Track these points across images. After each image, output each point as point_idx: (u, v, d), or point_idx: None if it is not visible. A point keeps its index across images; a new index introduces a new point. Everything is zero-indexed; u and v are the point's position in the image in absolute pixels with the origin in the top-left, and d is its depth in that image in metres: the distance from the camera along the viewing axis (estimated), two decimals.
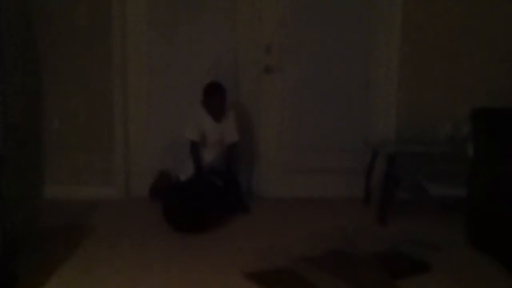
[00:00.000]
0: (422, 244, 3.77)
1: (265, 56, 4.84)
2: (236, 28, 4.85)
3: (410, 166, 4.54)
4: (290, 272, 3.28)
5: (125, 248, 3.74)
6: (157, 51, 4.90)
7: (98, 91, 4.86)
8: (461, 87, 4.74)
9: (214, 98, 4.49)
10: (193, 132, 4.54)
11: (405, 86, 4.77)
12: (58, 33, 4.79)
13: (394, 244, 3.75)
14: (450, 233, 4.01)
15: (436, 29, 4.73)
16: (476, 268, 3.45)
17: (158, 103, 4.94)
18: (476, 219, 3.76)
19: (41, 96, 4.86)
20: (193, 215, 4.05)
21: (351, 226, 4.21)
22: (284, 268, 3.33)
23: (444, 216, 4.41)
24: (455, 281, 3.23)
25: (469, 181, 3.86)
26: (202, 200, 4.13)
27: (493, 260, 3.47)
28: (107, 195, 4.87)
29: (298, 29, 4.86)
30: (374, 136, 4.82)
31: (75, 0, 4.75)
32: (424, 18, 4.73)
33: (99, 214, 4.46)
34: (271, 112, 4.96)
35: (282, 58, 4.87)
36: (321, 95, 4.92)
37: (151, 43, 4.89)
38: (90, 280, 3.20)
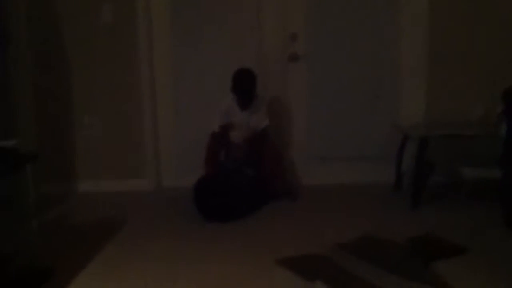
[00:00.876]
0: (456, 227, 3.72)
1: (291, 44, 4.82)
2: (261, 16, 4.83)
3: (442, 149, 4.48)
4: (323, 258, 3.27)
5: (159, 239, 3.76)
6: (183, 45, 4.91)
7: (126, 86, 4.91)
8: (491, 67, 4.65)
9: (242, 83, 4.46)
10: (217, 121, 4.56)
11: (435, 68, 4.70)
12: (85, 31, 4.85)
13: (428, 228, 3.71)
14: (485, 216, 3.95)
15: (466, 9, 4.65)
16: None
17: (186, 95, 4.97)
18: (510, 199, 3.69)
19: (71, 93, 4.92)
20: (223, 204, 4.08)
21: (383, 211, 4.18)
22: (317, 254, 3.32)
23: (478, 199, 4.33)
24: (492, 263, 3.18)
25: (502, 162, 3.79)
26: (232, 189, 4.15)
27: None
28: (138, 187, 4.91)
29: (325, 15, 4.82)
30: (404, 120, 4.76)
31: None
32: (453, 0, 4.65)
33: (131, 207, 4.50)
34: (298, 100, 4.94)
35: (309, 45, 4.85)
36: (349, 80, 4.88)
37: (176, 38, 4.91)
38: (123, 272, 3.23)
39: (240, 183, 4.27)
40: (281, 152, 4.79)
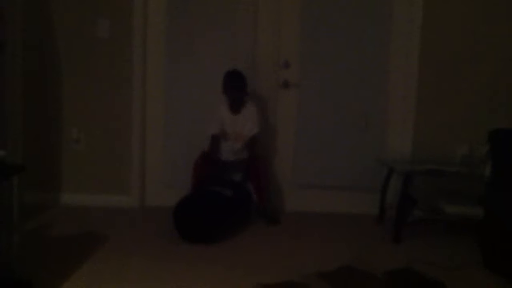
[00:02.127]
0: (435, 263, 3.76)
1: (283, 71, 4.88)
2: (255, 42, 4.90)
3: (425, 185, 4.53)
4: (303, 285, 3.29)
5: (138, 258, 3.75)
6: (176, 64, 4.95)
7: (116, 102, 4.93)
8: (478, 108, 4.73)
9: (233, 85, 4.55)
10: (213, 125, 4.63)
11: (422, 105, 4.78)
12: (80, 45, 4.88)
13: (408, 262, 3.74)
14: (464, 253, 3.98)
15: (454, 49, 4.74)
16: None
17: (176, 113, 4.99)
18: (490, 240, 3.74)
19: (61, 105, 4.93)
20: (201, 226, 4.08)
21: (365, 243, 4.21)
22: (297, 282, 3.34)
23: (458, 235, 4.37)
24: None
25: (484, 201, 3.84)
26: (210, 211, 4.15)
27: (506, 282, 3.45)
28: (122, 203, 4.91)
29: (317, 45, 4.89)
30: (389, 154, 4.81)
31: (97, 13, 4.84)
32: (442, 39, 4.74)
33: (113, 223, 4.50)
34: (286, 126, 4.99)
35: (300, 73, 4.91)
36: (338, 111, 4.93)
37: (170, 56, 4.95)
38: None
39: (217, 204, 4.25)
40: (267, 169, 4.85)
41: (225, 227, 4.20)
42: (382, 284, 3.36)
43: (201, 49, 4.92)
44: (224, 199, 4.32)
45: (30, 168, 3.73)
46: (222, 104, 4.65)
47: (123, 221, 4.58)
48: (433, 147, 4.74)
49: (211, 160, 4.63)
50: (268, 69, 4.91)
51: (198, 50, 4.93)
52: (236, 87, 4.57)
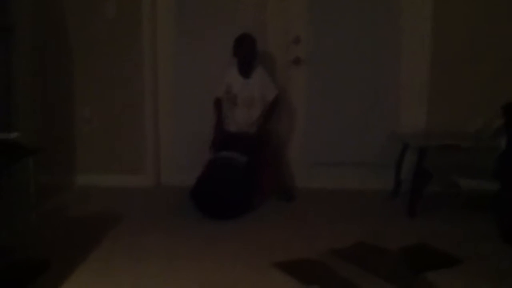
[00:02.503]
0: (451, 238, 3.74)
1: (294, 47, 4.84)
2: (265, 19, 4.86)
3: (440, 160, 4.50)
4: (318, 262, 3.30)
5: (154, 236, 3.78)
6: (186, 42, 4.94)
7: (129, 81, 4.94)
8: (492, 81, 4.66)
9: (243, 46, 4.55)
10: (219, 88, 4.64)
11: (436, 79, 4.72)
12: (89, 25, 4.88)
13: (423, 237, 3.73)
14: (480, 227, 3.96)
15: (468, 22, 4.66)
16: (506, 262, 3.40)
17: (188, 92, 4.99)
18: (507, 213, 3.72)
19: (73, 86, 4.94)
20: (219, 201, 4.11)
21: (379, 218, 4.20)
22: (312, 259, 3.35)
23: (474, 210, 4.35)
24: (485, 275, 3.19)
25: (499, 175, 3.81)
26: (227, 185, 4.17)
27: None
28: (137, 183, 4.94)
29: (328, 20, 4.83)
30: (403, 129, 4.77)
31: None
32: (456, 11, 4.66)
33: (129, 202, 4.53)
34: (298, 103, 4.96)
35: (311, 49, 4.87)
36: (350, 86, 4.89)
37: (180, 36, 4.94)
38: (120, 269, 3.25)
39: (234, 177, 4.25)
40: (280, 149, 4.86)
41: (244, 201, 4.23)
42: (396, 259, 3.36)
43: (211, 26, 4.90)
44: (240, 170, 4.30)
45: (45, 149, 3.77)
46: (231, 68, 4.64)
47: (138, 201, 4.61)
48: (447, 121, 4.68)
49: (220, 129, 4.63)
50: (279, 46, 4.87)
51: (207, 27, 4.90)
52: (246, 48, 4.55)
